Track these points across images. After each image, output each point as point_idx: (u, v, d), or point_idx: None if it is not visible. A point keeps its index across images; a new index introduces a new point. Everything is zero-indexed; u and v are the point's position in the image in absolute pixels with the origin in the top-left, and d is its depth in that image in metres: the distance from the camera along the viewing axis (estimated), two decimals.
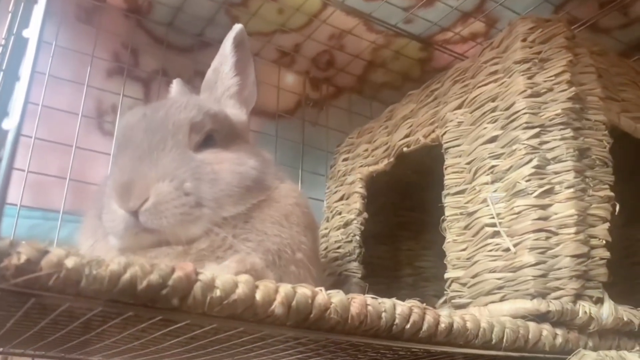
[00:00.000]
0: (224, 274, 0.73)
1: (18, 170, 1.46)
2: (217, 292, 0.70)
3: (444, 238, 1.22)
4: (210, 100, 1.03)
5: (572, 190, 1.02)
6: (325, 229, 1.67)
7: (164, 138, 0.85)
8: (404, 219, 1.94)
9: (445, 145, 1.26)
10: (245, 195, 0.87)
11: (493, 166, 1.11)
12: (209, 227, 0.83)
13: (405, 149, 1.44)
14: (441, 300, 1.18)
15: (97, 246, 0.89)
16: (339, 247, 1.57)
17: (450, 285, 1.15)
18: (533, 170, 1.04)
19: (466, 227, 1.14)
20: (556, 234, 1.00)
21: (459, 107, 1.26)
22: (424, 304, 0.86)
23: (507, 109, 1.12)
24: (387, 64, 1.96)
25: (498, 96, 1.16)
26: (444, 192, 1.23)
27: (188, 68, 1.79)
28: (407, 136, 1.44)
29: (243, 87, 1.05)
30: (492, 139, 1.14)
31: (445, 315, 0.86)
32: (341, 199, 1.64)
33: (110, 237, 0.83)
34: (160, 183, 0.80)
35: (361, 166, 1.61)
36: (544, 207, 1.02)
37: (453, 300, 1.13)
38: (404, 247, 1.92)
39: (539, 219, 1.01)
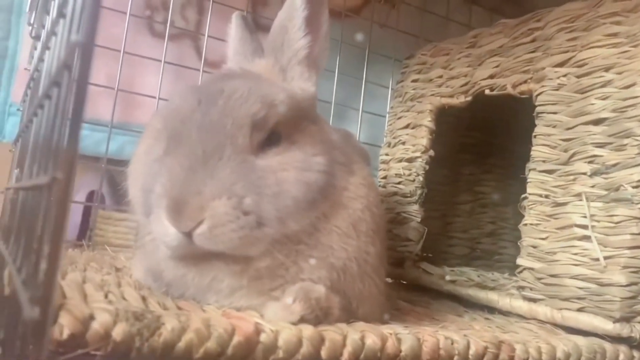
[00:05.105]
0: (286, 327, 0.66)
1: None
2: (280, 354, 0.64)
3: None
4: (275, 73, 0.87)
5: None
6: (386, 155, 1.56)
7: (221, 143, 0.73)
8: (467, 140, 1.79)
9: (538, 108, 1.10)
10: (310, 208, 0.76)
11: (595, 156, 0.96)
12: (269, 247, 0.74)
13: (487, 92, 1.27)
14: (510, 285, 1.10)
15: (146, 243, 0.81)
16: (399, 183, 1.47)
17: (521, 272, 1.06)
18: None
19: (551, 216, 1.02)
20: None
21: (563, 64, 1.07)
22: (499, 339, 0.79)
23: (625, 88, 0.94)
24: None
25: (615, 67, 0.97)
26: (529, 165, 1.09)
27: None
28: (492, 77, 1.26)
29: (314, 45, 0.89)
30: (599, 121, 0.97)
31: (520, 349, 0.79)
32: (406, 127, 1.50)
33: (161, 245, 0.76)
34: (216, 201, 0.70)
35: (433, 95, 1.45)
36: None
37: (524, 292, 1.04)
38: (465, 171, 1.80)
39: None
